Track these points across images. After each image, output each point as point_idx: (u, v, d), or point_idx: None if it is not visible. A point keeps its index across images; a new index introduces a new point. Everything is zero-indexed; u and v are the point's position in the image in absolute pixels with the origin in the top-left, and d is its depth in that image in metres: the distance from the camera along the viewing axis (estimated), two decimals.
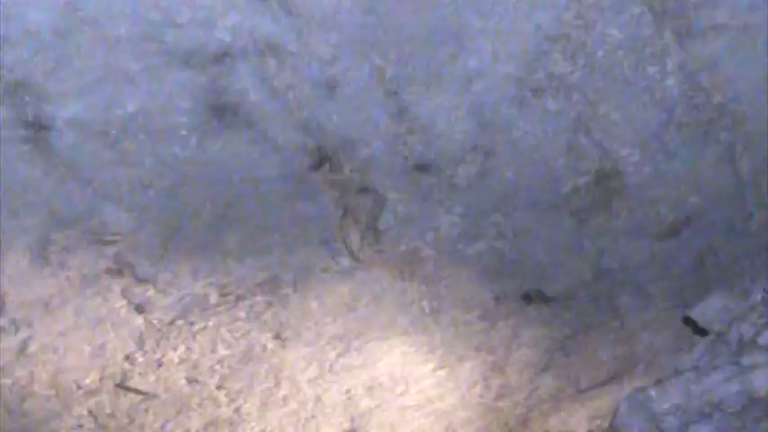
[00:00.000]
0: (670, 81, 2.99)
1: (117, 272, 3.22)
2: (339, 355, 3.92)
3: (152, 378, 3.76)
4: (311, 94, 2.80)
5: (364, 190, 3.15)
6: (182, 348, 3.65)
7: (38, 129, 2.69)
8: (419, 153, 3.06)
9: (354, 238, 3.28)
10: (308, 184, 3.07)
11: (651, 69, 2.94)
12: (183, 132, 2.83)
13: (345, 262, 3.41)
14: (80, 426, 3.90)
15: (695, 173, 3.33)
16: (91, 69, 2.60)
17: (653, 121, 3.11)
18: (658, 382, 3.45)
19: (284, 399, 4.08)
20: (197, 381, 3.84)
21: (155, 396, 3.86)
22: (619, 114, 3.07)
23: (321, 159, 3.00)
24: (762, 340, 3.34)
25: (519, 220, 3.41)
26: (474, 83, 2.88)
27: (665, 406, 3.31)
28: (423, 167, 3.11)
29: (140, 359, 3.64)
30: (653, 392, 3.35)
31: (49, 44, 2.49)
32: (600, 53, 2.87)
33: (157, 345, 3.60)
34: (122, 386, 3.76)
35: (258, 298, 3.49)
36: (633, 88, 3.00)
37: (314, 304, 3.59)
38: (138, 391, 3.81)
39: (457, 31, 2.73)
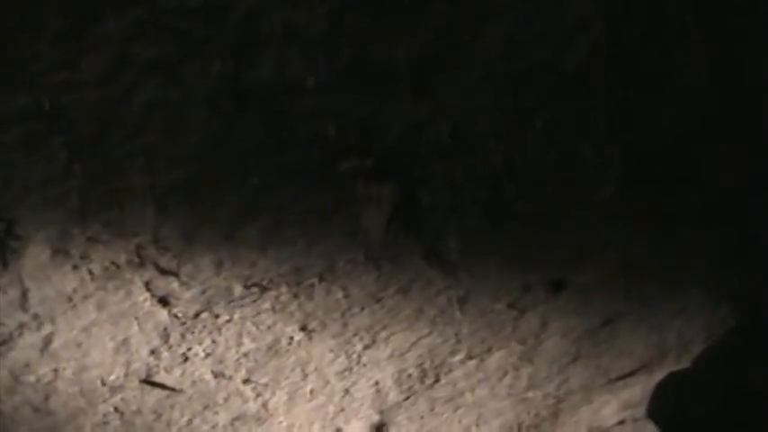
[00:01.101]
0: None
1: (139, 264, 3.17)
2: (366, 347, 3.87)
3: (178, 373, 3.72)
4: (331, 81, 2.74)
5: (388, 178, 3.09)
6: (207, 342, 3.61)
7: (54, 119, 2.64)
8: (443, 139, 2.99)
9: (379, 228, 3.22)
10: (331, 173, 3.02)
11: None
12: (203, 122, 2.77)
13: (370, 252, 3.34)
14: (106, 423, 3.87)
15: None
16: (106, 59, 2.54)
17: None
18: (690, 369, 3.38)
19: (312, 392, 4.03)
20: (223, 375, 3.79)
21: (181, 391, 3.81)
22: None
23: (343, 147, 2.94)
24: None
25: (546, 208, 3.34)
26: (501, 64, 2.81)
27: (697, 393, 3.24)
28: (447, 154, 3.04)
29: (165, 353, 3.60)
30: (685, 379, 3.28)
31: None
32: None
33: (182, 338, 3.55)
34: (148, 381, 3.72)
35: (283, 289, 3.43)
36: None
37: (339, 295, 3.53)
38: (163, 387, 3.77)
39: (479, 13, 2.67)
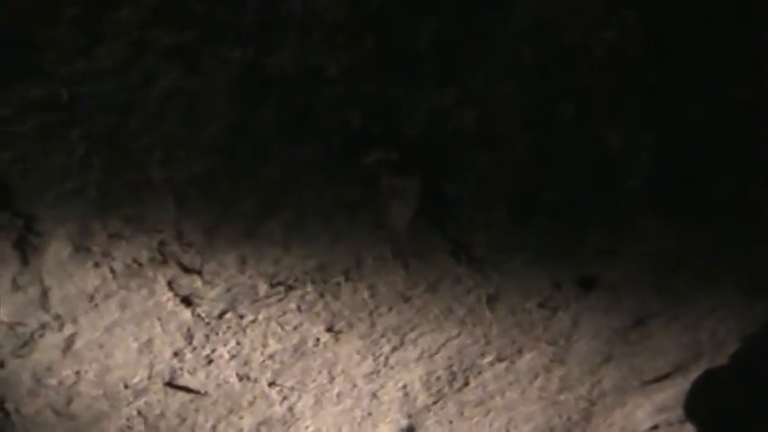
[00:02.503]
0: None
1: (162, 262, 3.12)
2: (394, 349, 3.80)
3: (202, 375, 3.66)
4: (354, 67, 2.68)
5: (413, 170, 3.02)
6: (232, 343, 3.55)
7: (71, 110, 2.59)
8: (469, 127, 2.92)
9: (404, 222, 3.15)
10: (354, 165, 2.96)
11: None
12: (222, 111, 2.71)
13: (397, 248, 3.27)
14: (129, 427, 3.82)
15: None
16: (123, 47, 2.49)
17: None
18: (727, 366, 3.29)
19: (339, 395, 3.96)
20: (248, 377, 3.73)
21: (205, 395, 3.76)
22: None
23: (367, 138, 2.88)
24: None
25: (575, 201, 3.26)
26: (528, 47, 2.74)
27: (736, 391, 3.15)
28: (472, 143, 2.97)
29: (189, 355, 3.54)
30: (723, 377, 3.20)
31: None
32: None
33: (206, 340, 3.50)
34: (172, 384, 3.66)
35: (309, 288, 3.37)
36: None
37: (366, 294, 3.46)
38: (188, 390, 3.71)
39: None
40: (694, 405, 3.41)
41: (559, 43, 2.77)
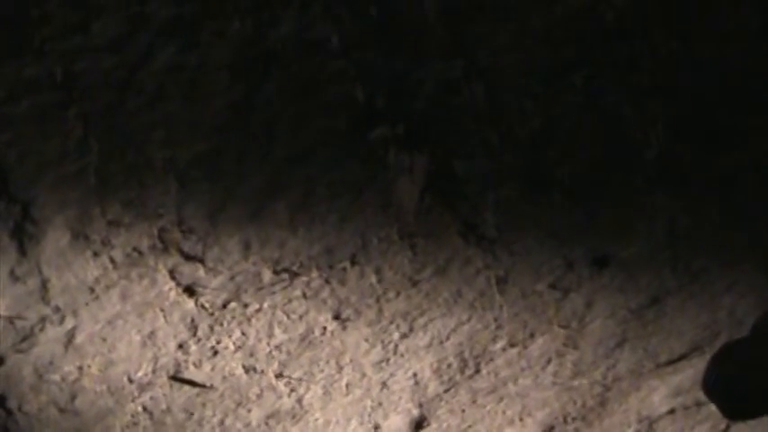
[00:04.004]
0: None
1: (163, 250, 3.03)
2: (403, 336, 3.70)
3: (207, 368, 3.57)
4: (357, 39, 2.59)
5: (420, 146, 2.93)
6: (237, 334, 3.46)
7: (67, 89, 2.50)
8: (478, 101, 2.83)
9: (412, 200, 3.06)
10: (360, 141, 2.86)
11: None
12: (223, 88, 2.62)
13: (404, 228, 3.18)
14: (135, 423, 3.73)
15: None
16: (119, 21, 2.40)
17: None
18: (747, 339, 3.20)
19: (348, 386, 3.87)
20: (255, 369, 3.64)
21: (211, 388, 3.66)
22: None
23: (372, 113, 2.79)
24: None
25: (588, 176, 3.17)
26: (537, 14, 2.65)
27: (755, 363, 3.06)
28: (481, 117, 2.88)
29: (193, 347, 3.45)
30: (742, 349, 3.10)
31: None
32: None
33: (211, 331, 3.41)
34: (177, 378, 3.56)
35: (314, 274, 3.27)
36: None
37: (373, 279, 3.37)
38: (193, 384, 3.62)
39: None
40: (712, 381, 3.31)
41: (568, 10, 2.67)
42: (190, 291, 3.20)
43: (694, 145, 3.13)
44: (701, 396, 3.95)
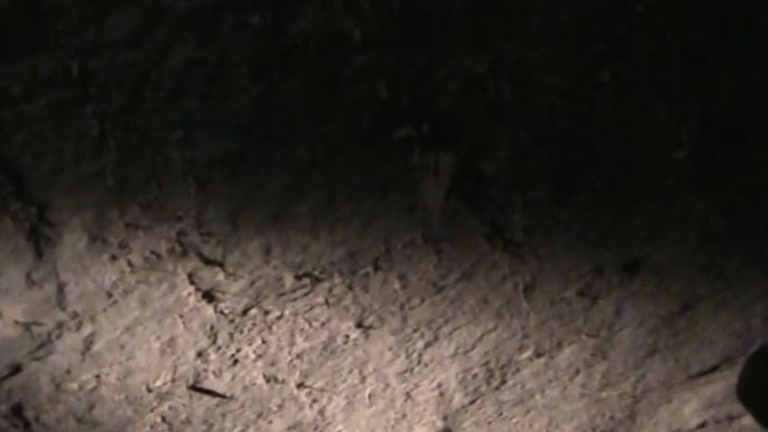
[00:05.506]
0: None
1: (182, 253, 2.96)
2: (428, 345, 3.62)
3: (227, 377, 3.49)
4: (380, 32, 2.51)
5: (446, 145, 2.85)
6: (257, 342, 3.38)
7: (83, 86, 2.43)
8: (505, 98, 2.75)
9: (437, 202, 2.98)
10: (385, 141, 2.79)
11: None
12: (244, 85, 2.55)
13: (429, 232, 3.10)
14: None
15: None
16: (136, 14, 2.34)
17: None
18: None
19: (371, 397, 3.79)
20: (276, 379, 3.57)
21: (232, 398, 3.59)
22: None
23: (396, 111, 2.71)
24: None
25: (618, 176, 3.08)
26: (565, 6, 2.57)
27: None
28: (508, 115, 2.80)
29: (213, 355, 3.37)
30: None
31: None
32: None
33: (231, 338, 3.33)
34: (196, 388, 3.49)
35: (336, 280, 3.20)
36: None
37: (397, 285, 3.29)
38: (213, 394, 3.54)
39: None
40: (747, 387, 3.21)
41: (597, 3, 2.60)
42: (209, 296, 3.13)
43: (727, 144, 3.04)
44: (734, 409, 3.86)
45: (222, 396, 3.59)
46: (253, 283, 3.13)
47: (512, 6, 2.55)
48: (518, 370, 3.89)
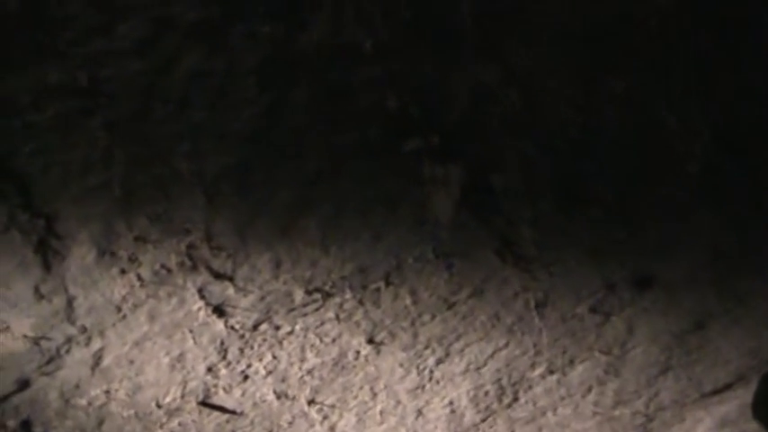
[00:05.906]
0: None
1: (191, 267, 2.94)
2: (439, 361, 3.60)
3: (237, 393, 3.47)
4: (390, 43, 2.50)
5: (455, 157, 2.83)
6: (268, 357, 3.36)
7: (91, 96, 2.42)
8: (515, 109, 2.73)
9: (447, 216, 2.96)
10: (394, 153, 2.76)
11: None
12: (252, 96, 2.54)
13: (440, 247, 3.07)
14: None
15: None
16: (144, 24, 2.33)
17: None
18: None
19: (382, 413, 3.76)
20: (286, 395, 3.54)
21: (242, 414, 3.56)
22: None
23: (405, 122, 2.70)
24: None
25: (629, 190, 3.06)
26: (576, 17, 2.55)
27: None
28: (518, 127, 2.78)
29: (223, 371, 3.35)
30: None
31: None
32: None
33: (241, 354, 3.31)
34: (206, 404, 3.46)
35: (347, 295, 3.17)
36: None
37: (408, 300, 3.27)
38: (223, 410, 3.52)
39: None
40: (764, 407, 3.18)
41: (610, 14, 2.58)
42: (219, 311, 3.11)
43: (739, 158, 3.01)
44: (749, 428, 3.82)
45: (232, 412, 3.56)
46: (263, 297, 3.11)
47: (522, 18, 2.53)
48: (530, 387, 3.85)
